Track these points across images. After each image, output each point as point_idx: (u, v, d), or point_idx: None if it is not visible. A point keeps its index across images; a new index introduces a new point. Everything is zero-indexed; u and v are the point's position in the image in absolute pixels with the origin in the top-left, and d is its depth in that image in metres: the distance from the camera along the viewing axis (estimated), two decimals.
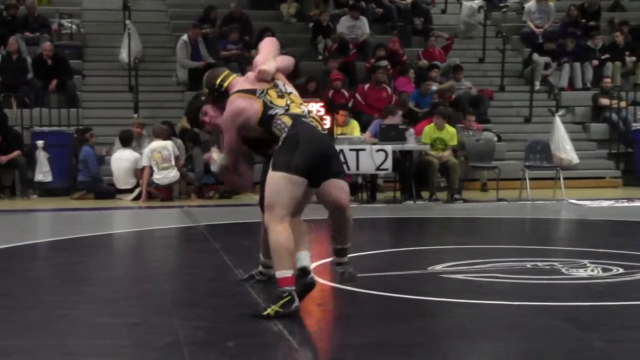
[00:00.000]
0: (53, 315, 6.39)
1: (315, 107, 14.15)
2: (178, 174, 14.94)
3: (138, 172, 15.04)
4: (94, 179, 15.30)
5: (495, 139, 17.06)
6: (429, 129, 15.06)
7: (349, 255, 7.14)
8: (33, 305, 6.76)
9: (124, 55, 18.71)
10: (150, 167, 14.85)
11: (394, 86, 17.95)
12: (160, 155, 14.84)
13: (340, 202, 6.63)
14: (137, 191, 15.01)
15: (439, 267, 8.26)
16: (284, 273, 6.12)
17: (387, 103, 16.51)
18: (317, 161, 6.25)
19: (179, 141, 15.51)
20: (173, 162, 14.89)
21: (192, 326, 6.02)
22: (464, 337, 5.87)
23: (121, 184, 15.16)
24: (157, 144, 14.95)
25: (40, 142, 15.55)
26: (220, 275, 8.02)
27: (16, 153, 15.36)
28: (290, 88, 6.52)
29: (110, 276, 8.45)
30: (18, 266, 8.84)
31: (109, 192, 15.19)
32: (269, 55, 6.56)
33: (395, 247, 10.12)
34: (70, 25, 19.71)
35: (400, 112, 15.38)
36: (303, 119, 6.31)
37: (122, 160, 15.15)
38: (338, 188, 6.59)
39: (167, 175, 14.88)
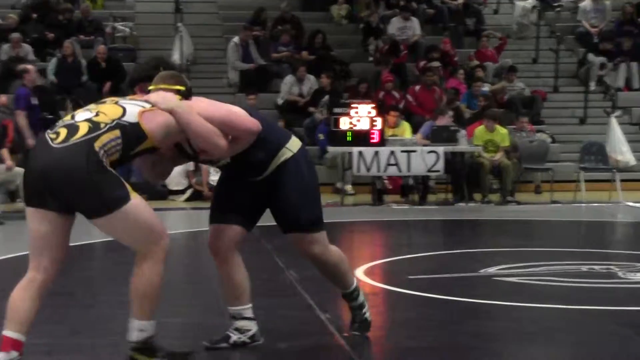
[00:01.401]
0: (109, 315, 6.45)
1: (367, 109, 14.19)
2: None
3: (190, 174, 15.12)
4: (147, 180, 15.39)
5: (549, 140, 16.91)
6: (480, 131, 14.96)
7: None
8: (90, 304, 6.83)
9: (175, 57, 18.82)
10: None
11: (445, 87, 17.88)
12: None
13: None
14: (189, 192, 15.10)
15: (491, 270, 8.21)
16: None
17: (438, 104, 16.43)
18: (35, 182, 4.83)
19: None
20: None
21: None
22: (520, 341, 5.83)
23: (173, 185, 15.26)
24: None
25: None
26: (273, 276, 8.04)
27: None
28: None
29: (164, 276, 8.49)
30: (75, 265, 8.92)
31: (162, 193, 15.30)
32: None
33: (447, 250, 10.07)
34: (123, 28, 19.90)
35: (450, 112, 15.29)
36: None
37: None
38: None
39: None
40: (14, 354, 4.74)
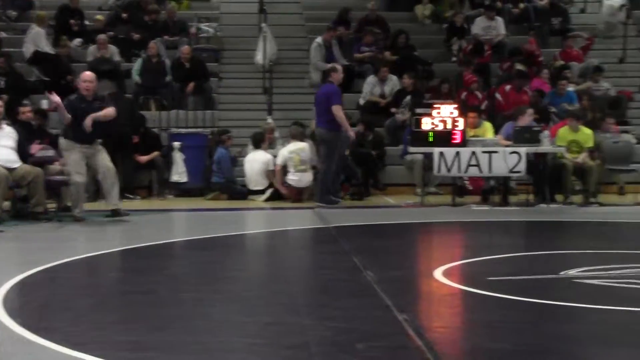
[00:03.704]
0: (190, 313, 6.55)
1: (449, 109, 14.14)
2: (312, 177, 15.06)
3: (269, 174, 15.25)
4: (228, 180, 15.58)
5: (634, 141, 16.64)
6: (563, 131, 14.79)
7: None
8: (171, 302, 6.95)
9: (259, 57, 18.97)
10: (285, 168, 15.04)
11: (530, 87, 17.70)
12: (298, 158, 15.02)
13: None
14: (269, 192, 15.22)
15: (572, 272, 8.12)
16: None
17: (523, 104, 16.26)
18: None
19: (311, 142, 15.68)
20: (309, 165, 15.05)
21: (322, 326, 6.07)
22: (601, 344, 5.75)
23: (253, 185, 15.40)
24: (295, 145, 15.13)
25: (177, 144, 15.92)
26: (351, 276, 8.07)
27: (155, 154, 15.76)
28: None
29: (244, 275, 8.61)
30: (156, 264, 9.09)
31: (242, 192, 15.44)
32: None
33: (528, 251, 9.97)
34: (208, 29, 20.13)
35: (531, 111, 15.13)
36: None
37: (254, 161, 15.39)
38: None
39: (302, 177, 15.05)
40: None
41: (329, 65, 15.48)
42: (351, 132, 14.48)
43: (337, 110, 14.10)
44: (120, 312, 6.68)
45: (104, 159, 12.27)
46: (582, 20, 21.69)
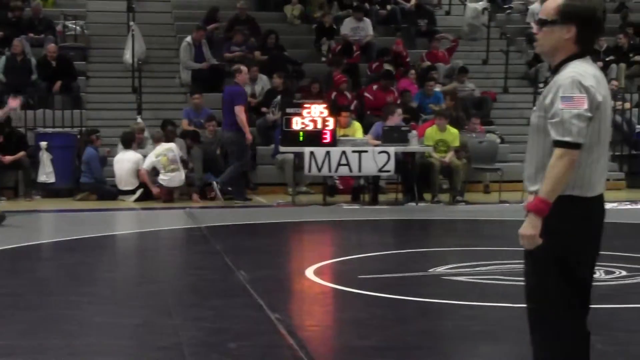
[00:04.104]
0: (58, 316, 6.43)
1: (319, 109, 14.25)
2: (184, 177, 14.92)
3: (140, 173, 15.04)
4: (97, 181, 15.31)
5: (499, 140, 17.06)
6: (431, 131, 15.06)
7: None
8: (38, 305, 6.80)
9: (127, 56, 18.71)
10: (155, 169, 14.86)
11: (397, 87, 17.99)
12: (166, 158, 14.84)
13: None
14: (139, 192, 15.02)
15: (441, 269, 8.29)
16: None
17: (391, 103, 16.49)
18: None
19: (182, 141, 15.56)
20: (180, 165, 14.91)
21: (194, 327, 6.05)
22: (467, 339, 5.89)
23: (123, 185, 15.17)
24: (162, 147, 14.95)
25: (43, 143, 15.56)
26: (223, 276, 8.05)
27: (21, 154, 15.36)
28: None
29: (114, 277, 8.49)
30: (22, 266, 8.88)
31: (112, 193, 15.20)
32: None
33: (397, 249, 10.14)
34: (74, 26, 19.73)
35: (399, 110, 15.38)
36: None
37: (124, 161, 15.16)
38: None
39: (174, 177, 14.87)
40: None
41: (235, 66, 15.29)
42: (249, 135, 14.60)
43: (240, 112, 14.20)
44: None
45: None
46: (447, 23, 22.14)
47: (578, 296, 4.20)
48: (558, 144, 3.76)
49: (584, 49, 3.91)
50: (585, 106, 3.77)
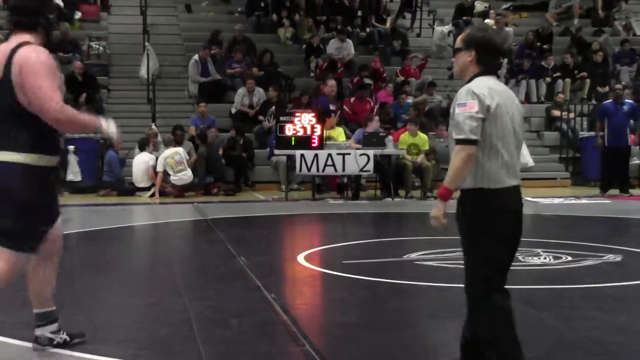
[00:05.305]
0: (82, 296, 6.37)
1: (308, 117, 14.23)
2: (191, 174, 14.90)
3: (151, 171, 14.97)
4: (117, 179, 15.29)
5: None
6: (404, 136, 15.06)
7: None
8: (65, 286, 6.73)
9: (143, 72, 18.67)
10: (166, 171, 14.82)
11: (376, 98, 17.97)
12: (173, 160, 14.79)
13: None
14: (153, 189, 14.96)
15: (414, 255, 8.26)
16: None
17: (370, 113, 16.49)
18: None
19: (190, 144, 15.54)
20: (186, 164, 14.86)
21: (201, 305, 6.00)
22: (435, 316, 5.86)
23: (139, 183, 15.12)
24: (169, 151, 14.90)
25: (71, 147, 15.49)
26: (225, 261, 8.00)
27: None
28: None
29: (130, 262, 8.43)
30: None
31: (130, 190, 15.15)
32: None
33: (376, 238, 10.11)
34: (98, 46, 19.67)
35: (377, 118, 15.43)
36: None
37: (140, 162, 15.11)
38: None
39: (182, 177, 14.85)
40: None
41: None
42: None
43: None
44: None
45: None
46: (418, 43, 22.12)
47: (497, 275, 4.21)
48: (457, 141, 3.95)
49: (485, 69, 4.13)
50: (476, 108, 3.94)
